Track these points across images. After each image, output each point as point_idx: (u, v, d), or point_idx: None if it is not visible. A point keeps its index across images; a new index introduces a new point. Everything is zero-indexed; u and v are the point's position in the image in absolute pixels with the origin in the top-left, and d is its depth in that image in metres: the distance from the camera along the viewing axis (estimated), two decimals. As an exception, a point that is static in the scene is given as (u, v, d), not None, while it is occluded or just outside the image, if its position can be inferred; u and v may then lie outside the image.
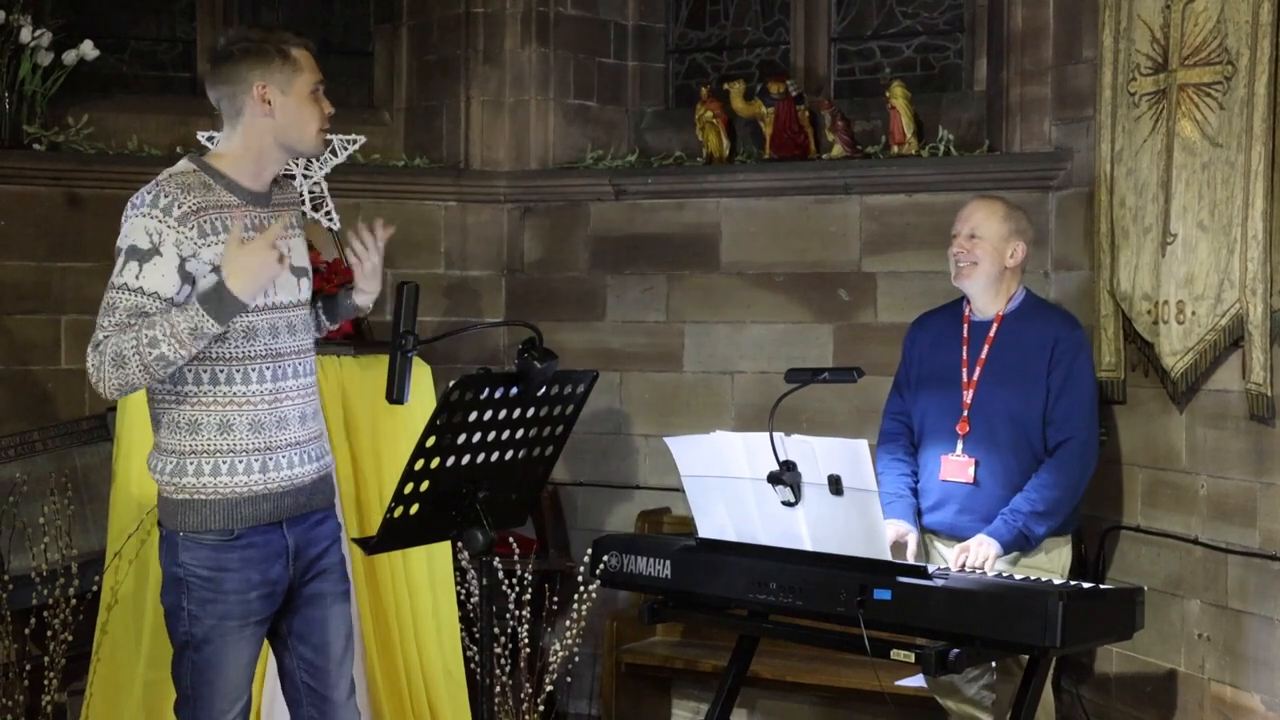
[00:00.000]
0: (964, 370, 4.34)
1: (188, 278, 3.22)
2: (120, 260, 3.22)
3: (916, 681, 4.47)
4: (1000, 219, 4.32)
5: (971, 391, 4.31)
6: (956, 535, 4.29)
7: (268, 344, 3.33)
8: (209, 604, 3.29)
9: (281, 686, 3.54)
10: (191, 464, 3.28)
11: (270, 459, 3.33)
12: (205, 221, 3.23)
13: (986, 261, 4.30)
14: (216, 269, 3.22)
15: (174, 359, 3.18)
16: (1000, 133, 5.40)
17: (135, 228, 3.21)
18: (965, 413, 4.30)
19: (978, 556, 4.10)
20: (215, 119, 5.29)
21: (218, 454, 3.28)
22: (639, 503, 5.83)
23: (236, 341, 3.28)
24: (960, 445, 4.30)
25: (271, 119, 3.33)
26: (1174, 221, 4.55)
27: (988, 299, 4.35)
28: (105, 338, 3.19)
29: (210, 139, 4.98)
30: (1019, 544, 4.16)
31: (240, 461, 3.30)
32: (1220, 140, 4.38)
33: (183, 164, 3.33)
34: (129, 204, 3.27)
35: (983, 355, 4.32)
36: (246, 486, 3.30)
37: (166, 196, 3.21)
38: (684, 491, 4.20)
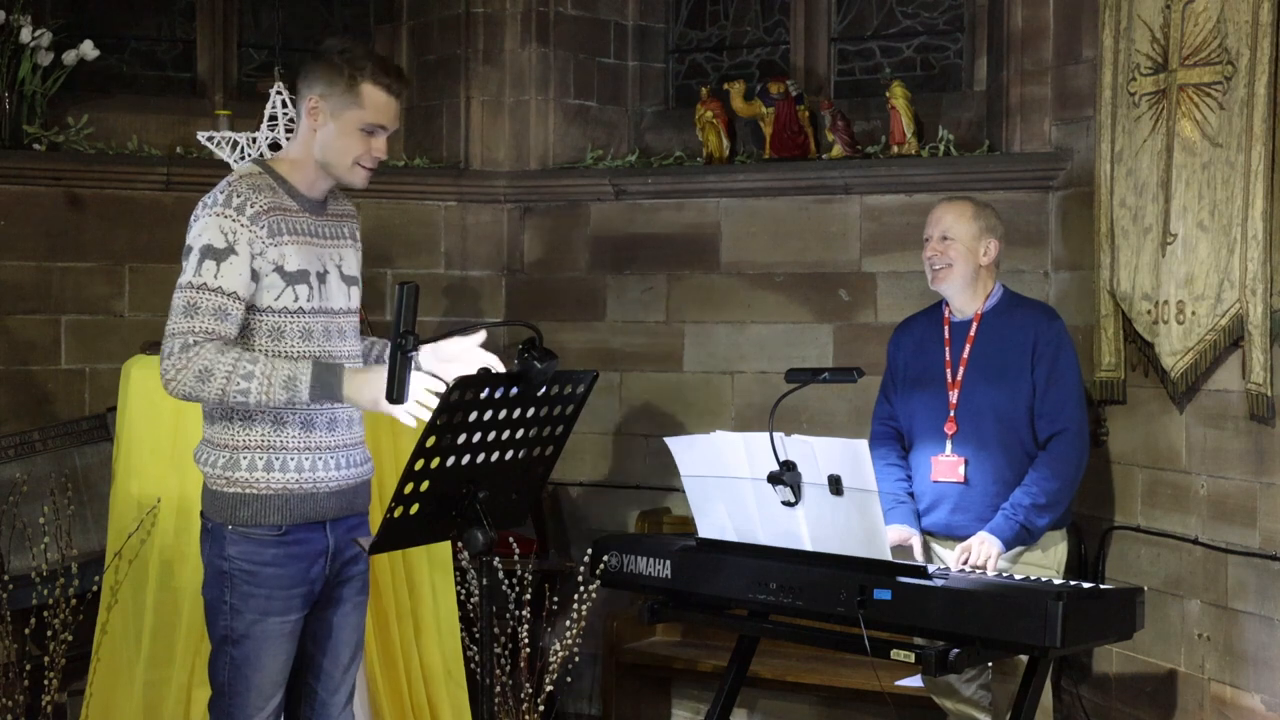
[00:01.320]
0: (948, 371, 4.34)
1: (254, 276, 3.27)
2: (194, 259, 3.24)
3: (916, 681, 4.47)
4: (970, 218, 4.32)
5: (957, 391, 4.31)
6: (953, 535, 4.30)
7: (322, 345, 3.38)
8: (252, 598, 3.32)
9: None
10: (245, 458, 3.32)
11: (320, 459, 3.37)
12: (274, 222, 3.29)
13: (960, 263, 4.30)
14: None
15: (254, 403, 3.23)
16: (1000, 133, 5.40)
17: (209, 227, 3.25)
18: (952, 413, 4.30)
19: (979, 555, 4.10)
20: (215, 119, 5.34)
21: (270, 450, 3.32)
22: (639, 503, 5.83)
23: (293, 341, 3.33)
24: (949, 445, 4.30)
25: (316, 134, 3.36)
26: (1174, 221, 4.55)
27: (965, 299, 4.36)
28: (197, 344, 3.20)
29: (210, 139, 4.98)
30: (1021, 539, 4.16)
31: (291, 459, 3.34)
32: (1220, 140, 4.38)
33: (249, 165, 3.40)
34: (200, 204, 3.31)
35: (965, 355, 4.32)
36: (297, 484, 3.34)
37: (239, 196, 3.26)
38: (684, 491, 4.20)
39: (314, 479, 3.36)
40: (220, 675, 3.37)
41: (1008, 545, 4.14)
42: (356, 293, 3.53)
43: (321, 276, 3.39)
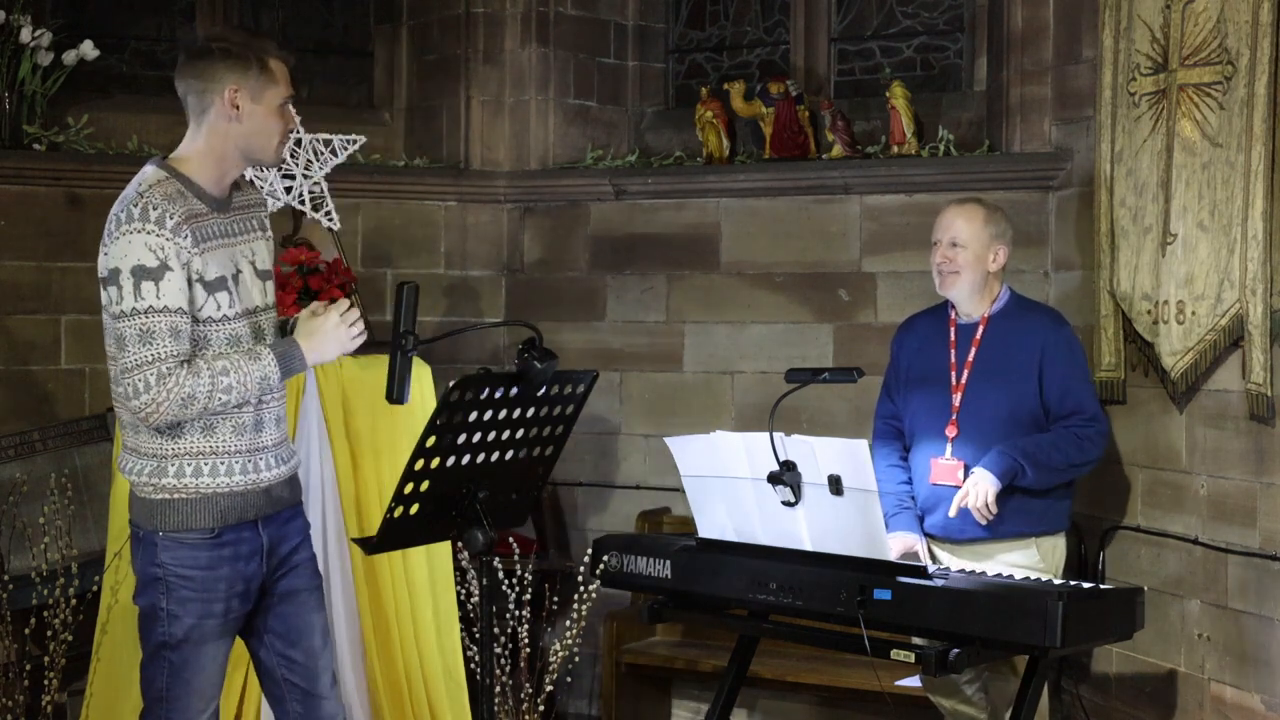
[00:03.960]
0: (952, 373, 4.34)
1: (189, 286, 3.23)
2: (129, 283, 3.18)
3: (916, 681, 4.47)
4: (981, 224, 4.30)
5: (960, 394, 4.30)
6: (950, 538, 4.30)
7: (250, 349, 3.33)
8: (190, 603, 3.28)
9: (261, 685, 3.55)
10: (173, 465, 3.28)
11: (250, 461, 3.34)
12: (194, 229, 3.23)
13: (968, 270, 4.29)
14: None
15: (235, 404, 3.25)
16: (1000, 133, 5.40)
17: (134, 246, 3.18)
18: (954, 415, 4.30)
19: (978, 497, 4.08)
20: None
21: (199, 456, 3.29)
22: (639, 503, 5.83)
23: (220, 347, 3.28)
24: (949, 448, 4.30)
25: (238, 124, 3.31)
26: (1174, 221, 4.55)
27: (973, 303, 4.35)
28: (171, 371, 3.16)
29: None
30: (1013, 474, 4.12)
31: (222, 463, 3.30)
32: (1220, 140, 4.38)
33: (153, 171, 3.29)
34: (113, 220, 3.23)
35: (970, 357, 4.32)
36: (228, 487, 3.31)
37: (155, 209, 3.18)
38: (684, 491, 4.20)
39: (244, 481, 3.32)
40: (157, 683, 3.32)
41: (1001, 479, 4.11)
42: (272, 287, 3.48)
43: (235, 278, 3.34)
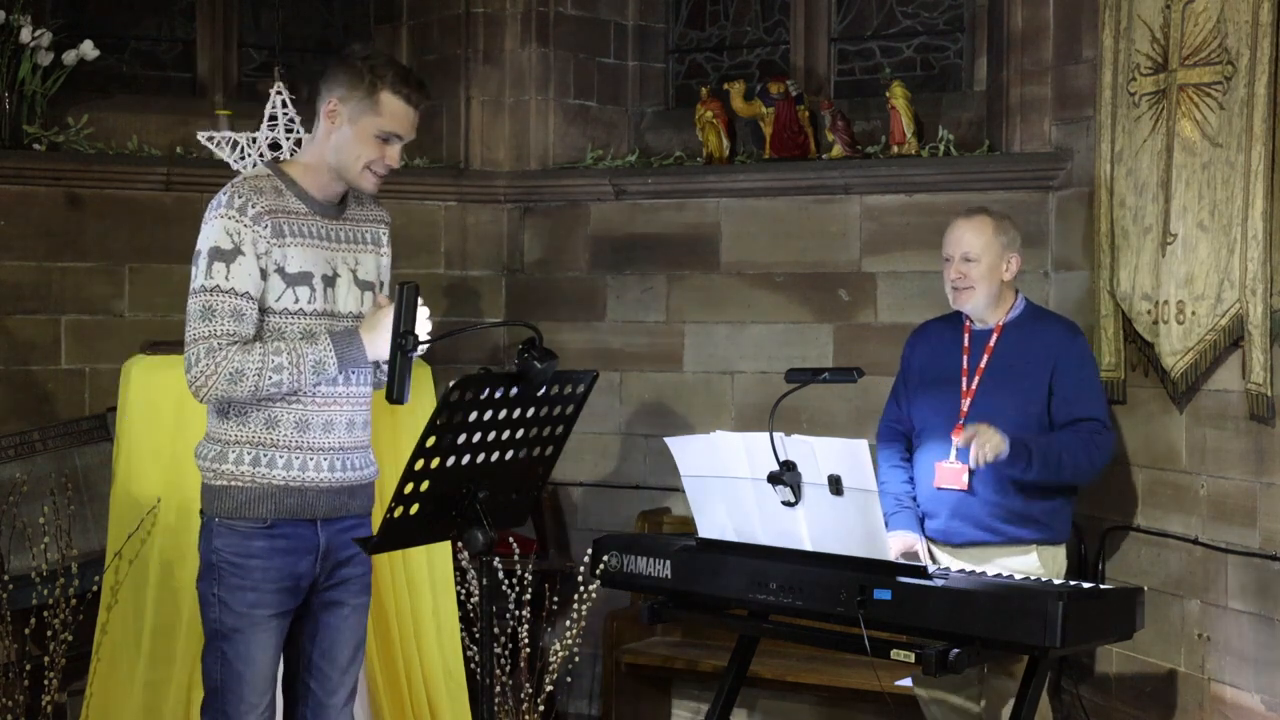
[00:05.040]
0: (964, 378, 4.33)
1: (263, 275, 3.31)
2: (204, 262, 3.29)
3: (909, 681, 4.46)
4: (992, 235, 4.28)
5: (970, 399, 4.29)
6: (950, 542, 4.29)
7: None
8: (237, 591, 3.34)
9: (283, 677, 3.56)
10: (233, 452, 3.36)
11: (310, 459, 3.39)
12: (277, 223, 3.32)
13: (983, 283, 4.28)
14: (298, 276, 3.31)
15: (288, 387, 3.29)
16: (1000, 133, 5.40)
17: (215, 229, 3.29)
18: (962, 420, 4.29)
19: (985, 444, 4.05)
20: (215, 119, 5.34)
21: (259, 446, 3.35)
22: (639, 503, 5.83)
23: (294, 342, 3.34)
24: (954, 452, 4.29)
25: (328, 136, 3.39)
26: (1174, 221, 4.55)
27: (988, 311, 4.35)
28: (222, 347, 3.24)
29: (210, 139, 4.97)
30: (1021, 455, 4.09)
31: (280, 456, 3.36)
32: (1220, 140, 4.38)
33: (259, 167, 3.44)
34: (208, 207, 3.36)
35: (982, 364, 4.31)
36: (283, 480, 3.36)
37: (241, 197, 3.30)
38: (684, 491, 4.20)
39: (302, 478, 3.37)
40: (214, 672, 3.39)
41: (1011, 447, 4.07)
42: (371, 299, 3.52)
43: (330, 280, 3.41)
